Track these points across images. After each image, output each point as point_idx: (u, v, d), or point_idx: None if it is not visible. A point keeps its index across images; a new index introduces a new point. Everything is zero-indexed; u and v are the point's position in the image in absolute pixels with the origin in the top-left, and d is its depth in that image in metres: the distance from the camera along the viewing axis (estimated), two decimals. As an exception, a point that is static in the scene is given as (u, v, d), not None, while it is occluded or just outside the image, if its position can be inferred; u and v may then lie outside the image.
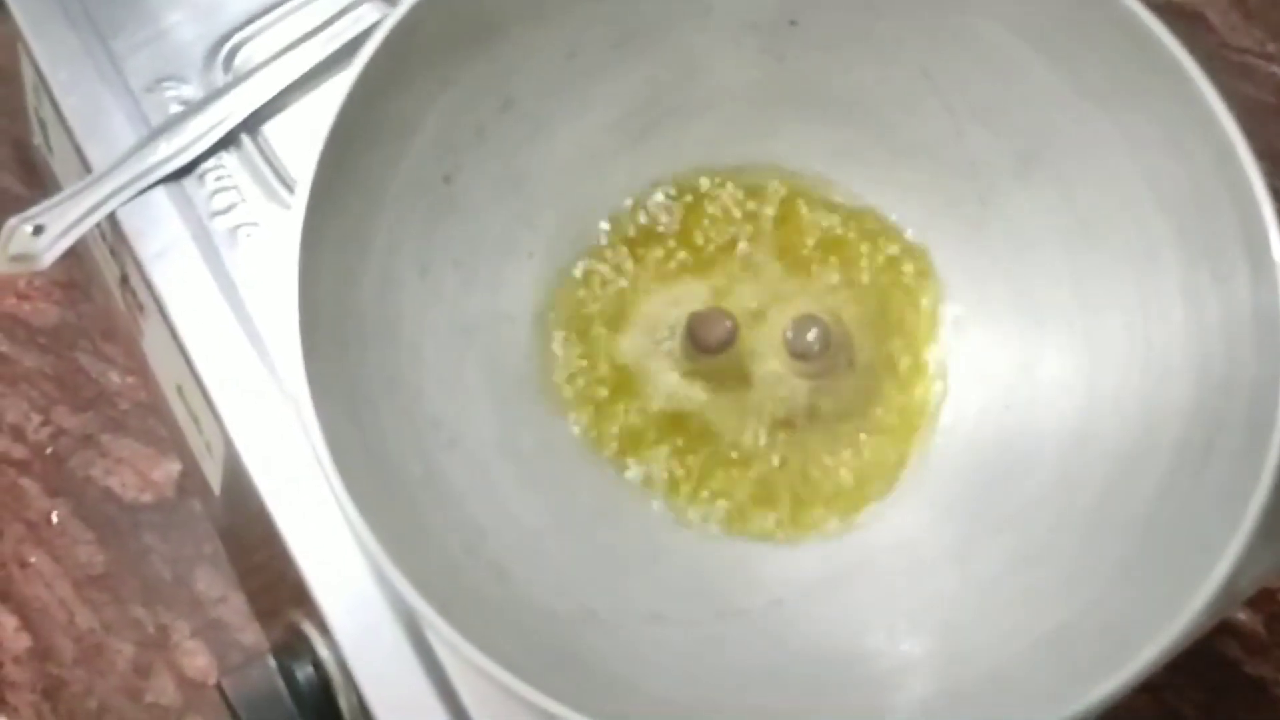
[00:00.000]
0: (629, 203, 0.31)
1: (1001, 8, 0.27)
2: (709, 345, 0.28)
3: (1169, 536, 0.22)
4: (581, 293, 0.30)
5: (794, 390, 0.28)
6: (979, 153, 0.29)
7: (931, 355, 0.29)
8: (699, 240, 0.31)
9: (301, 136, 0.26)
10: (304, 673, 0.28)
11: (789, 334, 0.28)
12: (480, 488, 0.25)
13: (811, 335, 0.28)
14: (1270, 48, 0.57)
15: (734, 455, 0.28)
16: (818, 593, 0.26)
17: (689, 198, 0.31)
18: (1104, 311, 0.26)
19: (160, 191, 0.32)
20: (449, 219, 0.28)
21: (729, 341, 0.28)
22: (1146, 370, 0.25)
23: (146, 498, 0.42)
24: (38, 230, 0.32)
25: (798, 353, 0.28)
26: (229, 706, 0.27)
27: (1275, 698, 0.41)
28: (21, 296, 0.44)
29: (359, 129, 0.25)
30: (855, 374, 0.29)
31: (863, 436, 0.28)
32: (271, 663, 0.28)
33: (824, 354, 0.28)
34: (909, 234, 0.30)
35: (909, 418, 0.29)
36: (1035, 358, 0.28)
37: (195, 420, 0.32)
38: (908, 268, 0.30)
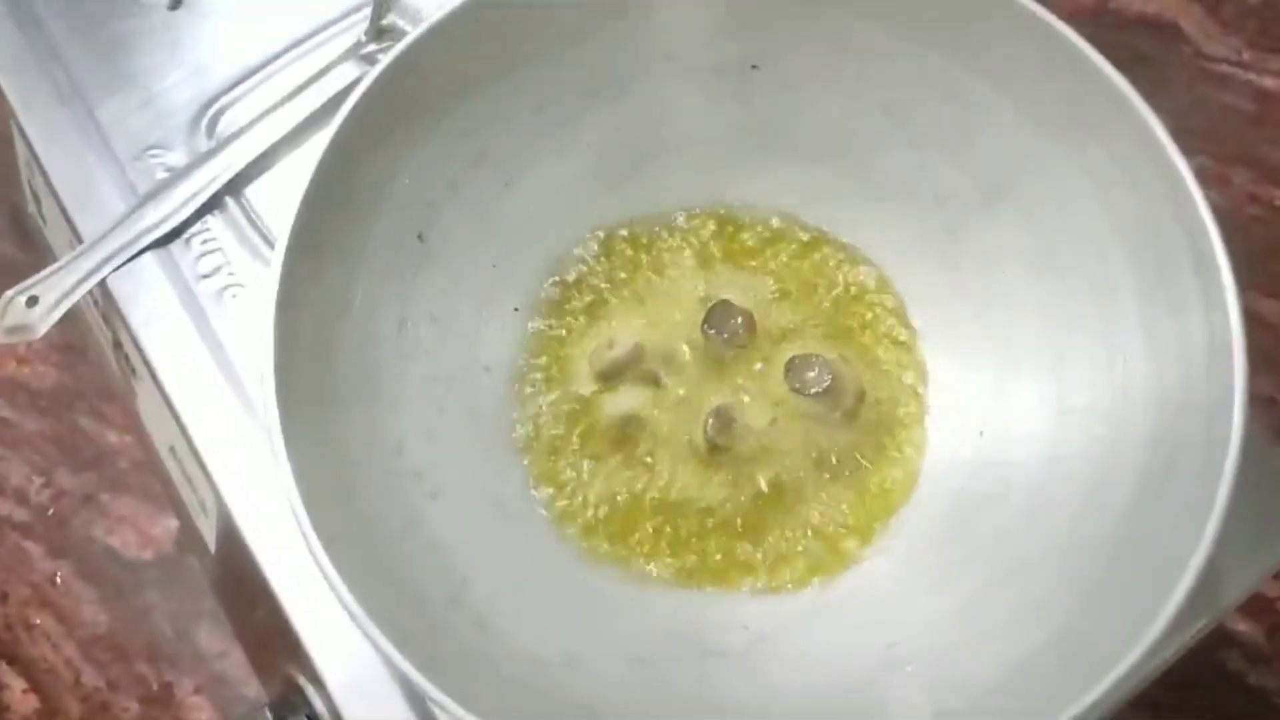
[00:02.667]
0: (596, 248, 0.31)
1: (956, 46, 0.28)
2: (725, 332, 0.28)
3: (1134, 560, 0.22)
4: (555, 339, 0.30)
5: (778, 441, 0.28)
6: (945, 186, 0.30)
7: (910, 388, 0.29)
8: (667, 284, 0.31)
9: (284, 196, 0.27)
10: (300, 726, 0.28)
11: (790, 373, 0.28)
12: (462, 538, 0.26)
13: (813, 374, 0.28)
14: (1246, 56, 0.57)
15: (710, 524, 0.28)
16: (800, 629, 0.26)
17: (661, 240, 0.32)
18: (1070, 340, 0.27)
19: (149, 258, 0.33)
20: (425, 273, 0.28)
21: (745, 331, 0.28)
22: (1112, 397, 0.25)
23: (147, 555, 0.42)
24: (32, 301, 0.33)
25: (798, 388, 0.28)
26: (227, 763, 0.27)
27: (1279, 708, 0.41)
28: (21, 361, 0.45)
29: (334, 190, 0.26)
30: (846, 415, 0.29)
31: (848, 480, 0.28)
32: (269, 717, 0.29)
33: (829, 394, 0.28)
34: (880, 267, 0.31)
35: (897, 456, 0.29)
36: (1007, 386, 0.28)
37: (189, 480, 0.32)
38: (880, 302, 0.31)
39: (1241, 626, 0.42)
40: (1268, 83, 0.57)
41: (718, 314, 0.29)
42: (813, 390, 0.28)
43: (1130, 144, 0.24)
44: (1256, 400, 0.22)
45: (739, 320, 0.29)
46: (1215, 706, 0.41)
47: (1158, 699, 0.36)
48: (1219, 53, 0.58)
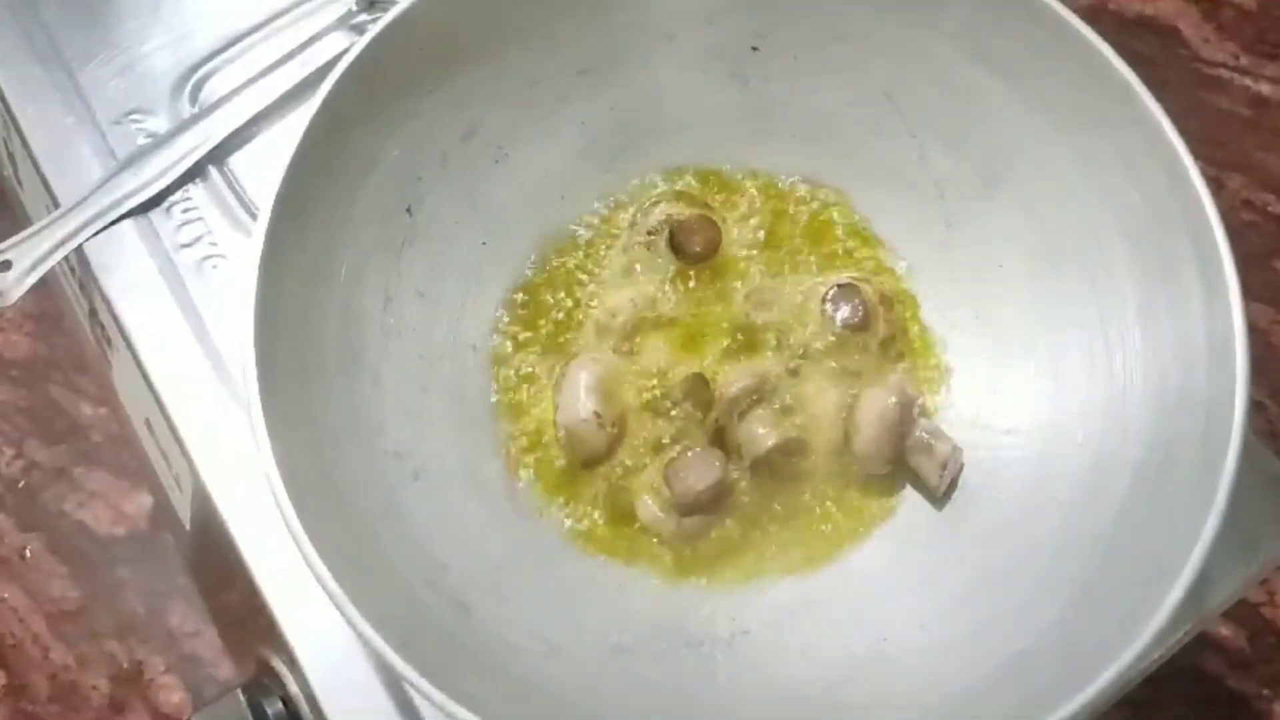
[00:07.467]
0: (588, 225, 0.30)
1: (959, 32, 0.27)
2: (691, 252, 0.28)
3: (1127, 559, 0.22)
4: (544, 319, 0.30)
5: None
6: (943, 175, 0.29)
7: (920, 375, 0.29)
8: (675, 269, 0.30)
9: (268, 167, 0.26)
10: (274, 709, 0.28)
11: (828, 303, 0.27)
12: (443, 520, 0.25)
13: (848, 308, 0.27)
14: (1243, 61, 0.57)
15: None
16: (786, 621, 0.25)
17: (659, 210, 0.31)
18: (1067, 333, 0.26)
19: (128, 224, 0.32)
20: (412, 248, 0.28)
21: (712, 249, 0.28)
22: (1108, 391, 0.25)
23: (119, 531, 0.41)
24: (5, 266, 0.32)
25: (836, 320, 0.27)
26: (198, 744, 0.27)
27: (1259, 711, 0.41)
28: (-7, 329, 0.44)
29: (321, 158, 0.25)
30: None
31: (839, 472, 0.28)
32: (241, 699, 0.28)
33: (862, 326, 0.27)
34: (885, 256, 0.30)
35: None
36: (1001, 379, 0.28)
37: (164, 455, 0.32)
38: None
39: (1225, 631, 0.42)
40: (1264, 88, 0.57)
41: (678, 234, 0.28)
42: (842, 325, 0.27)
43: (1135, 137, 0.24)
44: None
45: (695, 229, 0.28)
46: (1197, 708, 0.41)
47: (1138, 697, 0.36)
48: (1216, 57, 0.58)
